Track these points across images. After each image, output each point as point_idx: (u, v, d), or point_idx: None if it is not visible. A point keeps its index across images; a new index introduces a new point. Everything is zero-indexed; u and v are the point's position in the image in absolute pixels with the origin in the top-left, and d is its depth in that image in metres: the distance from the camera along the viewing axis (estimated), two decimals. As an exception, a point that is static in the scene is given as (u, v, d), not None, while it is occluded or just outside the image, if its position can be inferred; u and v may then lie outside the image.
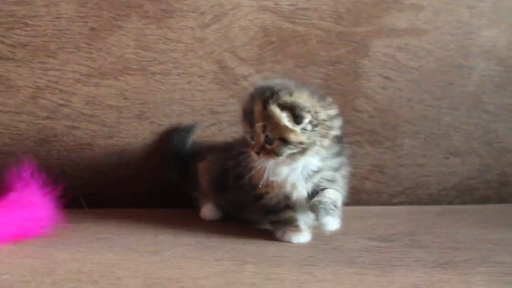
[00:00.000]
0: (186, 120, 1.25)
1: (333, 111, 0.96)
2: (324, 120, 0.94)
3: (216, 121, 1.26)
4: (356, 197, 1.28)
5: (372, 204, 1.29)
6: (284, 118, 0.91)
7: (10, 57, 1.21)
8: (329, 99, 0.97)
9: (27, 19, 1.21)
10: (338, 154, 0.98)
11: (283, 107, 0.91)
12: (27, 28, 1.21)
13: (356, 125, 1.28)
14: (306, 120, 0.91)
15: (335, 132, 0.95)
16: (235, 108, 1.25)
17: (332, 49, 1.26)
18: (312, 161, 0.95)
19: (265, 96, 0.92)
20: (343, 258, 0.92)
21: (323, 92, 1.01)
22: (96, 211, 1.17)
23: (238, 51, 1.25)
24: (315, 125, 0.93)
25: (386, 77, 1.28)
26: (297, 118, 0.91)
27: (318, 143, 0.93)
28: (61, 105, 1.23)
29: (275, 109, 0.91)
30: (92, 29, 1.22)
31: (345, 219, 1.00)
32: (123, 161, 1.23)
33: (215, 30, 1.24)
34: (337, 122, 0.96)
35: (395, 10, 1.27)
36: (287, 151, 0.92)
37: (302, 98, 0.92)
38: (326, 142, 0.94)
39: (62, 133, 1.23)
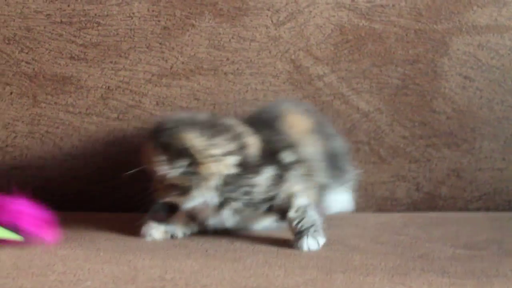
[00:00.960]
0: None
1: (220, 150, 0.92)
2: (209, 160, 0.90)
3: (289, 122, 1.21)
4: (431, 202, 1.23)
5: (447, 210, 1.23)
6: (159, 161, 0.89)
7: (81, 57, 1.19)
8: (226, 136, 0.94)
9: (99, 19, 1.19)
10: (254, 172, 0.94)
11: (163, 149, 0.89)
12: (99, 28, 1.19)
13: (433, 127, 1.23)
14: (183, 164, 0.89)
15: (228, 171, 0.92)
16: (309, 109, 1.21)
17: (410, 47, 1.21)
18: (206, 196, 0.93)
19: (151, 135, 0.92)
20: (434, 267, 0.87)
21: (219, 128, 0.95)
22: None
23: (313, 50, 1.21)
24: (194, 169, 0.90)
25: (466, 77, 1.22)
26: (172, 162, 0.88)
27: (200, 185, 0.90)
28: (131, 106, 1.20)
29: (153, 151, 0.90)
30: (165, 28, 1.19)
31: (424, 225, 0.94)
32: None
33: (290, 28, 1.20)
34: (231, 160, 0.92)
35: (477, 6, 1.21)
36: (171, 192, 0.91)
37: (186, 139, 0.90)
38: (213, 182, 0.91)
39: (132, 135, 1.20)
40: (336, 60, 1.22)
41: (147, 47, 1.20)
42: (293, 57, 1.21)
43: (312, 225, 0.93)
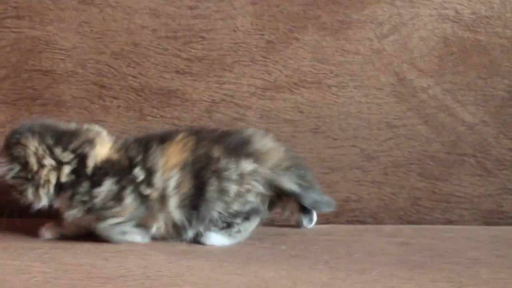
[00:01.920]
0: (362, 134, 1.20)
1: (54, 160, 0.99)
2: (39, 169, 0.98)
3: (392, 135, 1.21)
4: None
5: None
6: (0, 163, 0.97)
7: (186, 71, 1.21)
8: (67, 146, 1.00)
9: (204, 33, 1.20)
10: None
11: (3, 152, 0.99)
12: (203, 42, 1.21)
13: (532, 142, 1.20)
14: (15, 168, 0.98)
15: (62, 179, 0.99)
16: (413, 122, 1.21)
17: (516, 59, 1.19)
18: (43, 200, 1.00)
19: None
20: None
21: (65, 139, 1.01)
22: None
23: (417, 63, 1.20)
24: (25, 174, 0.98)
25: None
26: (7, 165, 0.97)
27: (32, 189, 0.99)
28: (236, 118, 1.21)
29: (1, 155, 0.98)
30: (269, 41, 1.20)
31: None
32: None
33: (394, 41, 1.20)
34: (65, 170, 0.99)
35: None
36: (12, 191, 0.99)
37: (23, 146, 0.99)
38: (46, 188, 0.99)
39: (236, 147, 1.21)
40: (440, 73, 1.21)
41: (251, 61, 1.21)
42: (397, 69, 1.21)
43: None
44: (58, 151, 0.99)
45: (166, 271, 0.89)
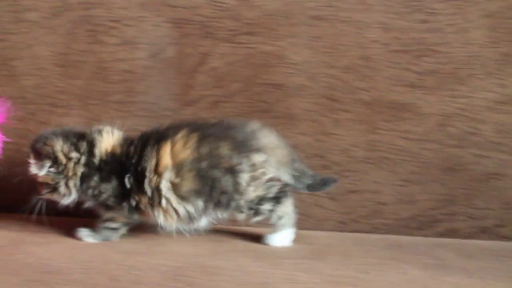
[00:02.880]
0: None
1: (76, 154, 1.07)
2: (67, 162, 1.07)
3: None
4: None
5: None
6: (31, 165, 1.06)
7: (418, 84, 1.20)
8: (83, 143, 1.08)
9: (437, 46, 1.20)
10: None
11: (33, 153, 1.07)
12: (436, 55, 1.20)
13: None
14: (47, 164, 1.06)
15: (81, 169, 1.07)
16: None
17: None
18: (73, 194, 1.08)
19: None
20: None
21: (80, 138, 1.09)
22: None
23: None
24: (56, 169, 1.07)
25: None
26: (39, 163, 1.06)
27: (63, 183, 1.07)
28: (469, 133, 1.19)
29: (28, 155, 1.07)
30: (504, 54, 1.18)
31: None
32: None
33: None
34: (82, 161, 1.07)
35: None
36: (44, 190, 1.08)
37: (50, 145, 1.07)
38: (73, 181, 1.07)
39: (469, 162, 1.19)
40: None
41: (486, 74, 1.19)
42: None
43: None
44: (79, 145, 1.07)
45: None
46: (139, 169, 1.05)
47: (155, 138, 1.05)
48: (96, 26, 1.29)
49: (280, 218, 1.08)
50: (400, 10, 1.21)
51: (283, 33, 1.24)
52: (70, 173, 1.07)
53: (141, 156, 1.05)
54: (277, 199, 1.07)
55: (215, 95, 1.25)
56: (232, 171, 1.04)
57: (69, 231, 1.12)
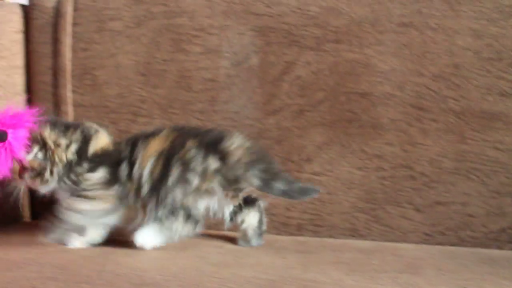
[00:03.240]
0: None
1: (66, 141, 1.07)
2: (55, 148, 1.06)
3: None
4: None
5: None
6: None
7: (511, 93, 1.16)
8: (75, 132, 1.09)
9: (531, 54, 1.15)
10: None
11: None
12: (531, 63, 1.15)
13: None
14: (34, 150, 1.06)
15: (70, 156, 1.07)
16: None
17: None
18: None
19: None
20: None
21: (72, 127, 1.10)
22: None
23: None
24: (44, 154, 1.06)
25: None
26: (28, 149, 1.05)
27: (49, 169, 1.07)
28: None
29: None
30: None
31: None
32: None
33: None
34: (72, 148, 1.07)
35: None
36: (27, 175, 1.07)
37: (40, 131, 1.07)
38: (59, 168, 1.06)
39: None
40: None
41: None
42: None
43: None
44: (69, 133, 1.08)
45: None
46: (132, 159, 1.07)
47: (144, 136, 1.09)
48: (179, 35, 1.29)
49: (169, 229, 1.06)
50: (492, 16, 1.17)
51: (370, 40, 1.22)
52: (57, 159, 1.07)
53: (133, 150, 1.08)
54: (188, 217, 1.06)
55: (299, 104, 1.23)
56: (185, 164, 1.05)
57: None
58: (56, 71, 1.37)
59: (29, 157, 1.08)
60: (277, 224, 1.25)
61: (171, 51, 1.29)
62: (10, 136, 1.05)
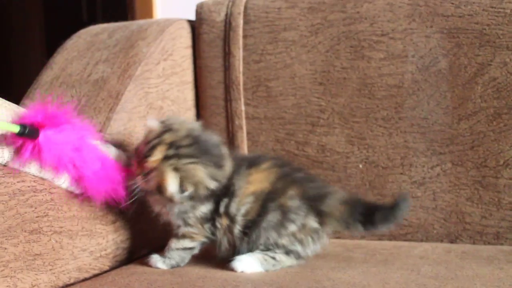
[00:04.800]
0: None
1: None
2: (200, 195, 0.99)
3: None
4: None
5: None
6: (171, 183, 0.96)
7: None
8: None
9: None
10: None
11: (177, 170, 0.96)
12: None
13: None
14: (187, 193, 0.97)
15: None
16: None
17: None
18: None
19: (170, 151, 0.97)
20: None
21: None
22: None
23: None
24: (192, 198, 0.98)
25: None
26: (182, 188, 0.96)
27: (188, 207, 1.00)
28: None
29: (169, 171, 0.97)
30: None
31: None
32: None
33: None
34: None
35: None
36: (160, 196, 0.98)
37: (196, 170, 0.97)
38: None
39: None
40: None
41: None
42: None
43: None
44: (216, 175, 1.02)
45: None
46: (230, 192, 1.01)
47: (246, 164, 1.03)
48: (359, 42, 1.26)
49: (273, 258, 1.01)
50: None
51: None
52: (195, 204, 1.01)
53: (232, 179, 1.02)
54: (289, 252, 1.03)
55: (495, 107, 1.17)
56: (285, 213, 1.01)
57: (349, 252, 1.08)
58: (228, 85, 1.36)
59: (177, 196, 1.00)
60: (471, 233, 1.18)
61: (351, 58, 1.26)
62: (42, 136, 0.90)
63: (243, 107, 1.35)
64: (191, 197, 0.99)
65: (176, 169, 0.97)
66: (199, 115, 1.39)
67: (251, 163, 1.05)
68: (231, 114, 1.36)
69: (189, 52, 1.40)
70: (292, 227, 1.02)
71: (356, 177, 1.25)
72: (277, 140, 1.32)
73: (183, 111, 1.36)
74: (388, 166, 1.23)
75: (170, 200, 0.99)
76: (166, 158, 0.97)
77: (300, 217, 1.02)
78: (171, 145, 0.98)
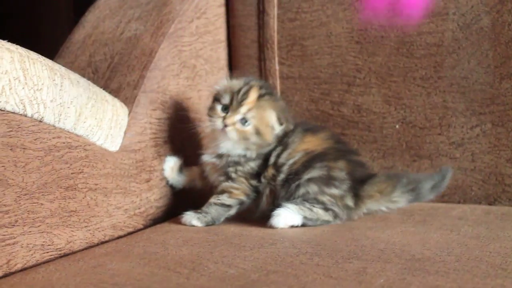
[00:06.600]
0: None
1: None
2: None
3: None
4: None
5: None
6: (273, 117, 1.04)
7: None
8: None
9: None
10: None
11: (274, 107, 1.04)
12: None
13: None
14: (283, 126, 1.04)
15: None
16: None
17: None
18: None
19: (262, 90, 1.04)
20: None
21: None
22: None
23: None
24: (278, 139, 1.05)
25: None
26: (280, 121, 1.04)
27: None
28: None
29: (269, 106, 1.04)
30: None
31: None
32: None
33: None
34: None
35: None
36: (252, 139, 1.03)
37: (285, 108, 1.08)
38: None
39: None
40: None
41: None
42: None
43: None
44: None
45: None
46: (283, 147, 1.05)
47: (304, 128, 1.07)
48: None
49: (310, 209, 1.02)
50: None
51: None
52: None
53: (286, 137, 1.06)
54: (327, 209, 1.04)
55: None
56: (330, 172, 1.03)
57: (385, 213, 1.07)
58: (262, 44, 1.34)
59: (278, 129, 1.06)
60: (511, 195, 1.16)
61: (389, 17, 1.22)
62: None
63: (277, 66, 1.33)
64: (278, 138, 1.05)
65: (271, 106, 1.04)
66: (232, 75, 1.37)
67: (309, 129, 1.08)
68: (265, 73, 1.34)
69: (222, 10, 1.37)
70: (334, 190, 1.03)
71: (393, 137, 1.23)
72: (311, 100, 1.30)
73: (216, 71, 1.34)
74: (426, 127, 1.20)
75: (266, 138, 1.04)
76: (261, 96, 1.04)
77: (341, 188, 1.04)
78: (261, 87, 1.04)
